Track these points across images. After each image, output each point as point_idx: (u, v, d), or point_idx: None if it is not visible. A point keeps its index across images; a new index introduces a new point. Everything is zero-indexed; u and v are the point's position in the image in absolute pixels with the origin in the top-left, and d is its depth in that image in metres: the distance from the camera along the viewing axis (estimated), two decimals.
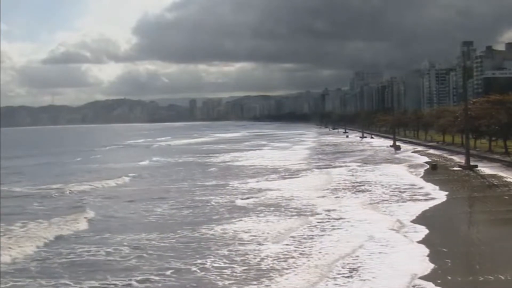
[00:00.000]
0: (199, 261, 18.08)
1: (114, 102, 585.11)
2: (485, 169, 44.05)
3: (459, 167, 46.28)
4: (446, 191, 32.74)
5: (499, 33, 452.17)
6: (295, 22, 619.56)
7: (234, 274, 16.75)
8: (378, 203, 29.15)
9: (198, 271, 17.09)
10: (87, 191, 37.05)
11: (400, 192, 32.91)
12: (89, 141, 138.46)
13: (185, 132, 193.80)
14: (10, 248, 19.89)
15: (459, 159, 51.60)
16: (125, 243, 20.95)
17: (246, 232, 22.36)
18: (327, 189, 34.97)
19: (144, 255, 19.17)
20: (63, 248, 20.35)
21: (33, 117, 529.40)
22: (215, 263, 17.85)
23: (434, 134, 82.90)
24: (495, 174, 40.57)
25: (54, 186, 39.27)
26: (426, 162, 51.95)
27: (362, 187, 35.54)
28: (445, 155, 60.43)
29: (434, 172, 43.72)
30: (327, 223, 23.92)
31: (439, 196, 31.09)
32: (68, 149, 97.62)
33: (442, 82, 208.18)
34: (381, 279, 15.85)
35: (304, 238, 21.04)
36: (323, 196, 32.03)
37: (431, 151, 67.26)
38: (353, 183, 38.09)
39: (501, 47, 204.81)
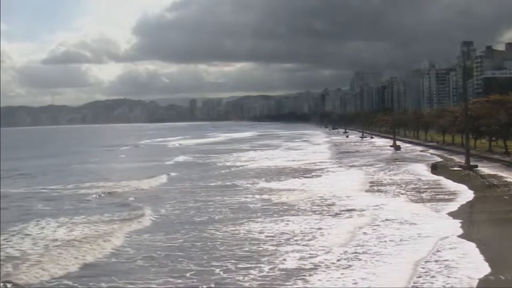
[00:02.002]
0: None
1: (114, 102, 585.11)
2: (485, 169, 44.04)
3: (459, 167, 46.25)
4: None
5: (499, 33, 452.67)
6: (295, 22, 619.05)
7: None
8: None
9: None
10: (132, 191, 36.49)
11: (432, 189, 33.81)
12: (101, 141, 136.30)
13: (192, 132, 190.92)
14: (106, 240, 21.33)
15: (459, 159, 51.59)
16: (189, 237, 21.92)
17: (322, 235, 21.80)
18: (368, 187, 35.59)
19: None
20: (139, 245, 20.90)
21: (33, 117, 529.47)
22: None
23: (434, 134, 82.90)
24: (495, 174, 40.55)
25: (99, 185, 39.08)
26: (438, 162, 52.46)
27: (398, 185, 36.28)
28: (445, 155, 60.43)
29: (434, 172, 43.75)
30: (392, 221, 23.82)
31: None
32: (85, 149, 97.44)
33: (442, 82, 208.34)
34: None
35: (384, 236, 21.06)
36: (368, 193, 32.98)
37: (431, 151, 67.25)
38: (386, 180, 38.98)
39: (501, 47, 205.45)
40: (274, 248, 19.71)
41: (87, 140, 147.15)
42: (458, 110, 67.26)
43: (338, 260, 17.80)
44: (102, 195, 34.62)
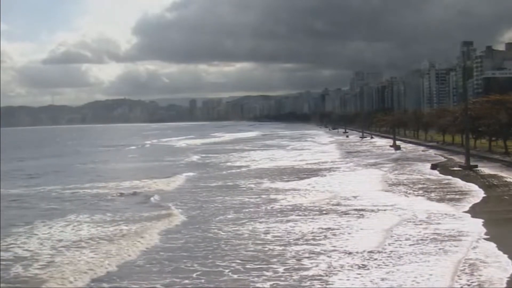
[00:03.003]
0: None
1: (114, 102, 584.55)
2: (485, 169, 44.04)
3: (459, 167, 46.23)
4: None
5: (499, 33, 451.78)
6: (295, 22, 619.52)
7: None
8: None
9: None
10: (153, 190, 36.26)
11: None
12: (106, 141, 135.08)
13: (196, 132, 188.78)
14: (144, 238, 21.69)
15: (459, 159, 51.59)
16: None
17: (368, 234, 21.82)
18: (387, 186, 35.91)
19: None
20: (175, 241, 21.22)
21: (33, 117, 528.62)
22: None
23: (434, 134, 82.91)
24: (495, 174, 40.55)
25: (121, 185, 39.03)
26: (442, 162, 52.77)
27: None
28: (445, 155, 60.45)
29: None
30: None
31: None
32: (92, 149, 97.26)
33: (442, 82, 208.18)
34: None
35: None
36: (388, 192, 33.27)
37: (431, 151, 67.29)
38: (398, 179, 39.47)
39: (501, 47, 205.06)
40: (315, 247, 19.65)
41: (92, 140, 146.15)
42: (458, 110, 67.28)
43: (375, 259, 17.79)
44: (126, 194, 34.50)
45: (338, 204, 28.70)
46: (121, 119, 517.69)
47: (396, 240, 20.20)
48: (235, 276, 16.53)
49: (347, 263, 17.42)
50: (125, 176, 45.82)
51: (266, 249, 19.53)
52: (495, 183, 36.08)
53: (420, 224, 23.00)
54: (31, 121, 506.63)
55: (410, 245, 19.49)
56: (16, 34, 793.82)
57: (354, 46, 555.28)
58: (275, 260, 17.98)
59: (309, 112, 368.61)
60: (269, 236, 21.61)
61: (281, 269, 16.94)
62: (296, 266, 17.24)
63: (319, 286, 15.52)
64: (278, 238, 21.21)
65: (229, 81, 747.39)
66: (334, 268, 16.97)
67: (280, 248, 19.57)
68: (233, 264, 17.64)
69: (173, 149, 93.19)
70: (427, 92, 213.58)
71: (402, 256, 18.02)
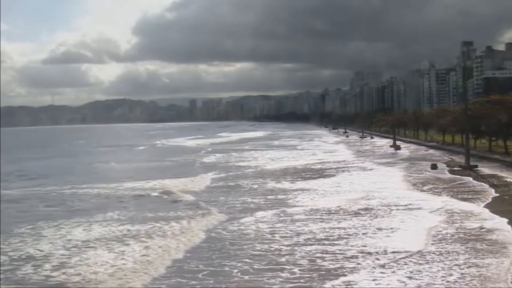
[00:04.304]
0: None
1: (114, 102, 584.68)
2: (485, 169, 43.97)
3: (459, 167, 46.21)
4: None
5: (499, 33, 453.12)
6: (295, 22, 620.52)
7: None
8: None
9: None
10: (183, 190, 36.01)
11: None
12: (112, 141, 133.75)
13: (201, 132, 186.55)
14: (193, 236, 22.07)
15: (459, 159, 51.57)
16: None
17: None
18: (411, 185, 36.11)
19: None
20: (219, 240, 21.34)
21: (33, 117, 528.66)
22: None
23: (434, 134, 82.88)
24: (495, 174, 40.50)
25: (147, 185, 38.80)
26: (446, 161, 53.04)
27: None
28: (445, 155, 60.42)
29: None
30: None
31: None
32: (100, 149, 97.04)
33: (442, 82, 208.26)
34: None
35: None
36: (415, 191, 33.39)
37: (431, 151, 67.28)
38: (412, 178, 39.88)
39: (501, 47, 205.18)
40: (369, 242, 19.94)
41: (98, 140, 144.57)
42: (458, 110, 67.24)
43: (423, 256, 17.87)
44: (158, 194, 34.29)
45: (379, 204, 28.51)
46: (121, 119, 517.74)
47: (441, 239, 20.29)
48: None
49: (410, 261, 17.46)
50: (150, 176, 45.48)
51: (323, 247, 19.47)
52: (495, 183, 36.01)
53: (458, 223, 23.14)
54: (31, 121, 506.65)
55: (461, 244, 19.48)
56: (16, 34, 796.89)
57: (354, 46, 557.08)
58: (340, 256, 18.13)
59: (309, 112, 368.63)
60: (321, 235, 21.54)
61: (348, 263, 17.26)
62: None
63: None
64: (331, 237, 21.28)
65: (229, 81, 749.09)
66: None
67: (345, 246, 19.55)
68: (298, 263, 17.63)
69: (185, 149, 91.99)
70: (427, 92, 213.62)
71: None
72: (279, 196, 32.40)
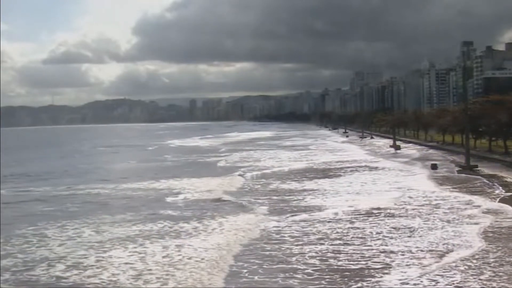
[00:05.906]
0: None
1: (114, 102, 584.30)
2: (485, 169, 44.05)
3: (459, 167, 46.23)
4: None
5: (499, 33, 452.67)
6: (295, 22, 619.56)
7: None
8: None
9: None
10: (222, 189, 36.30)
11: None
12: (119, 141, 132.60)
13: (205, 132, 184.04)
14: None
15: (459, 159, 51.62)
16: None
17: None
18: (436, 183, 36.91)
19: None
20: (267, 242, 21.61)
21: (33, 117, 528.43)
22: None
23: (434, 134, 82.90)
24: (495, 174, 40.55)
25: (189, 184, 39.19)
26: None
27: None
28: (445, 155, 60.43)
29: (436, 172, 43.89)
30: None
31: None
32: (108, 149, 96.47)
33: (442, 82, 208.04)
34: None
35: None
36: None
37: (431, 151, 67.31)
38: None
39: (501, 47, 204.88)
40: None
41: (104, 140, 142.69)
42: (458, 110, 67.26)
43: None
44: (199, 194, 34.35)
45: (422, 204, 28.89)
46: (121, 119, 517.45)
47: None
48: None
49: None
50: (179, 174, 45.74)
51: (386, 245, 20.35)
52: (495, 183, 36.09)
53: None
54: (31, 121, 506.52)
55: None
56: (16, 34, 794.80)
57: (354, 46, 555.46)
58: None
59: (309, 112, 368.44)
60: (368, 231, 22.50)
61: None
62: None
63: None
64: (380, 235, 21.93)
65: (229, 81, 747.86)
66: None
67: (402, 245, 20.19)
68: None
69: (198, 148, 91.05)
70: (427, 92, 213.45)
71: None
72: (326, 195, 32.95)
